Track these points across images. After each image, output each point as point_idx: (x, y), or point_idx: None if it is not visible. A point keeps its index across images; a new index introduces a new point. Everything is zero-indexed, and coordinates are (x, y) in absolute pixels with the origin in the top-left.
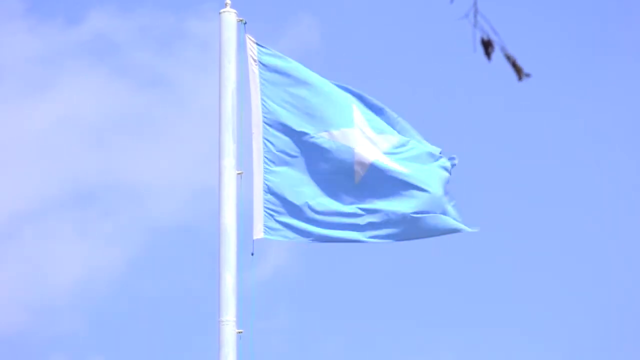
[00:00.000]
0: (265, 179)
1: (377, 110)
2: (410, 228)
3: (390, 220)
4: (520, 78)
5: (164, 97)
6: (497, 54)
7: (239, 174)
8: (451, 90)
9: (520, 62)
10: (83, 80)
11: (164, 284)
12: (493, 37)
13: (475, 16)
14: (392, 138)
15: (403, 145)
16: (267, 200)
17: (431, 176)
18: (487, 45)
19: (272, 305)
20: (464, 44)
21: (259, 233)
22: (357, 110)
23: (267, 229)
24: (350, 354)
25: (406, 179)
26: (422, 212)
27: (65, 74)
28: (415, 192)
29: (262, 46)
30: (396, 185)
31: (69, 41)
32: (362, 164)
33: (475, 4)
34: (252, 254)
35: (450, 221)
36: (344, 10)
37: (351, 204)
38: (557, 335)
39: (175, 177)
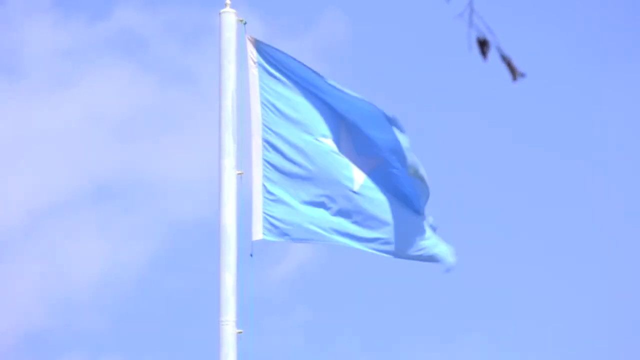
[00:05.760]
0: (264, 180)
1: (363, 127)
2: (404, 245)
3: (387, 232)
4: (514, 78)
5: (189, 92)
6: (492, 53)
7: (239, 174)
8: (461, 87)
9: (515, 62)
10: (108, 75)
11: (185, 280)
12: (488, 37)
13: (470, 15)
14: (373, 161)
15: (381, 167)
16: (267, 202)
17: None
18: (482, 45)
19: (291, 302)
20: (461, 43)
21: (257, 234)
22: (344, 129)
23: (266, 230)
24: (367, 353)
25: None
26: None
27: (90, 69)
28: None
29: (265, 46)
30: (388, 203)
31: (94, 36)
32: (359, 173)
33: (470, 3)
34: (251, 255)
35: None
36: (372, 5)
37: (349, 210)
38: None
39: (199, 173)
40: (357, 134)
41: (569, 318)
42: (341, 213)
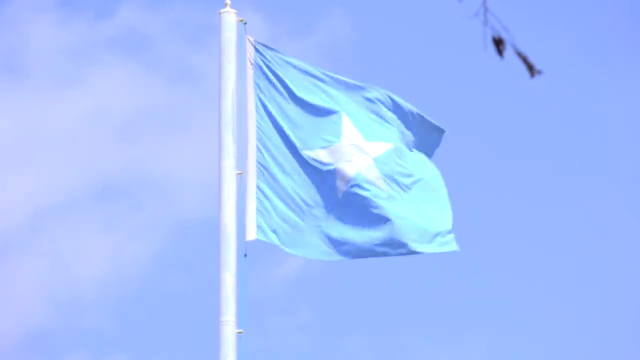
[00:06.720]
0: (258, 182)
1: (376, 114)
2: (391, 243)
3: (379, 232)
4: (532, 75)
5: (194, 91)
6: (508, 51)
7: (238, 174)
8: (465, 88)
9: (531, 60)
10: (113, 74)
11: (185, 280)
12: (504, 35)
13: (485, 14)
14: (386, 145)
15: (396, 152)
16: (260, 203)
17: (415, 197)
18: (498, 43)
19: (293, 302)
20: (475, 43)
21: (251, 234)
22: (347, 119)
23: (260, 230)
24: (370, 353)
25: (381, 202)
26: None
27: (95, 68)
28: (385, 222)
29: (265, 47)
30: (370, 207)
31: (99, 35)
32: (343, 179)
33: (484, 2)
34: (245, 255)
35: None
36: (375, 5)
37: (333, 218)
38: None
39: (203, 172)
40: (363, 121)
41: (574, 318)
42: (328, 223)
